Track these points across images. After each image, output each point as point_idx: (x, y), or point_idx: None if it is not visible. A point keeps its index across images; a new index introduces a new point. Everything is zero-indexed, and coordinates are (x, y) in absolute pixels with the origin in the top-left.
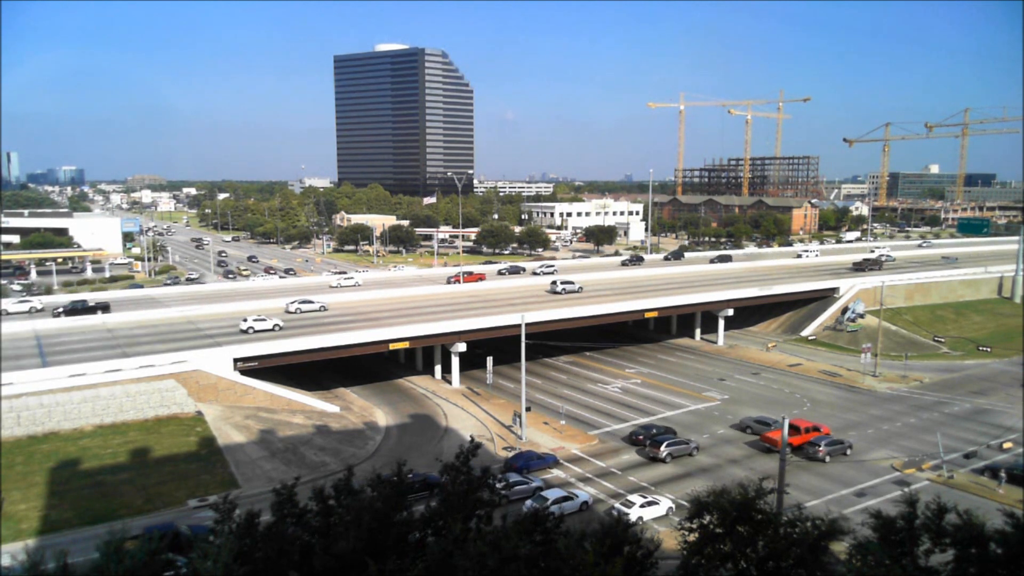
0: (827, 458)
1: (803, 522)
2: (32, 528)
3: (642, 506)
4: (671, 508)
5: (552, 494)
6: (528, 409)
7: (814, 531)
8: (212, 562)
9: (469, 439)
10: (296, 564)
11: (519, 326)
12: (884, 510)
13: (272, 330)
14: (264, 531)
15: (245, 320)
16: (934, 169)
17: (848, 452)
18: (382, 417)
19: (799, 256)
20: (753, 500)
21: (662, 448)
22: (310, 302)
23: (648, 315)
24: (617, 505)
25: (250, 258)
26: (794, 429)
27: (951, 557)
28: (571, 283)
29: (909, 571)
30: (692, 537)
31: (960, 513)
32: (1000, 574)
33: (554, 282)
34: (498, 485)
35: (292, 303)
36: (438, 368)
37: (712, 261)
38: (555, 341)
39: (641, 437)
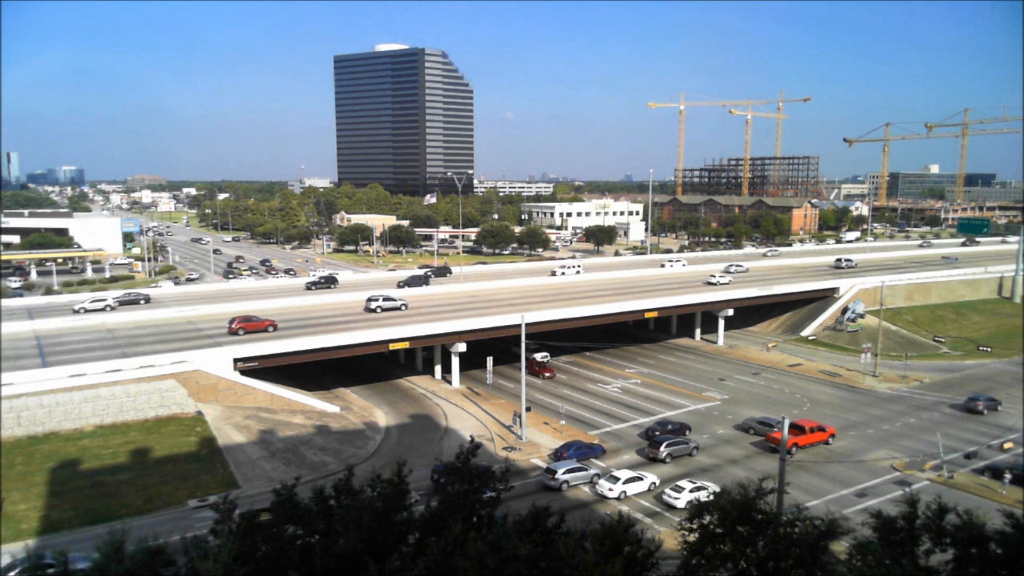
0: (985, 411)
1: (803, 522)
2: (32, 528)
3: (691, 491)
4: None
5: (623, 474)
6: (528, 409)
7: (814, 531)
8: (212, 562)
9: (469, 439)
10: (296, 564)
11: (519, 326)
12: (884, 510)
13: (728, 284)
14: (264, 531)
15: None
16: (934, 169)
17: (999, 408)
18: (382, 417)
19: (837, 263)
20: (753, 500)
21: (662, 448)
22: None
23: (648, 315)
24: (667, 490)
25: (263, 262)
26: (799, 429)
27: (951, 557)
28: (850, 260)
29: (909, 571)
30: (692, 537)
31: (960, 513)
32: (1000, 574)
33: (839, 259)
34: (560, 473)
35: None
36: (438, 368)
37: (401, 285)
38: (555, 341)
39: (657, 433)
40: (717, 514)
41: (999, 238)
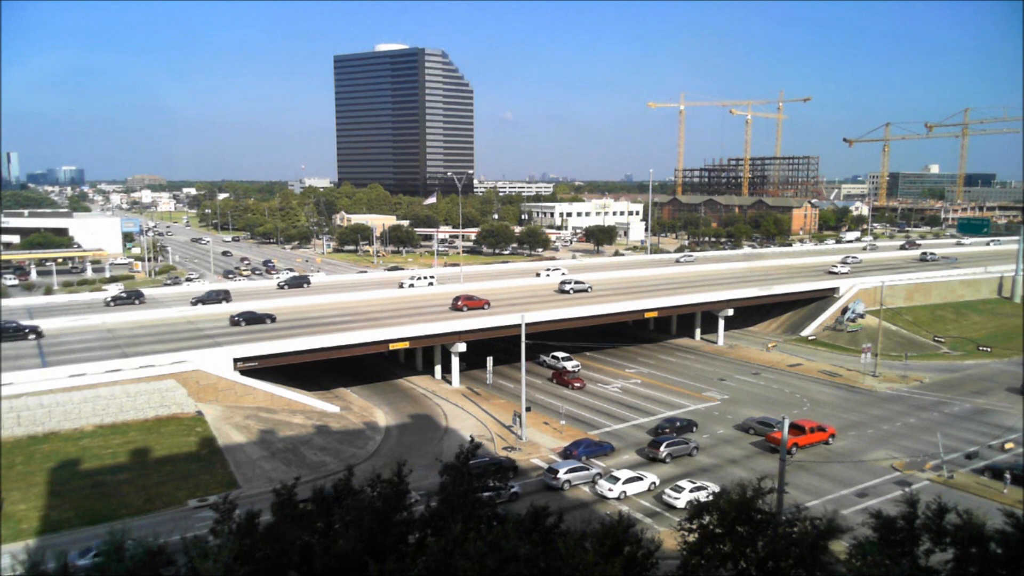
0: None
1: (802, 522)
2: (32, 528)
3: (691, 491)
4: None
5: (623, 474)
6: (528, 409)
7: (813, 531)
8: (212, 562)
9: (469, 439)
10: (296, 564)
11: (519, 326)
12: (884, 510)
13: (848, 273)
14: (264, 531)
15: (842, 259)
16: (934, 169)
17: None
18: (382, 417)
19: (923, 256)
20: (753, 500)
21: (662, 448)
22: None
23: (648, 315)
24: (667, 490)
25: (265, 262)
26: (799, 429)
27: (951, 557)
28: (933, 254)
29: (909, 571)
30: (692, 537)
31: (960, 513)
32: (1000, 574)
33: (924, 253)
34: (562, 473)
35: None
36: (438, 368)
37: (195, 302)
38: (555, 341)
39: (667, 430)
40: (717, 514)
41: (955, 240)
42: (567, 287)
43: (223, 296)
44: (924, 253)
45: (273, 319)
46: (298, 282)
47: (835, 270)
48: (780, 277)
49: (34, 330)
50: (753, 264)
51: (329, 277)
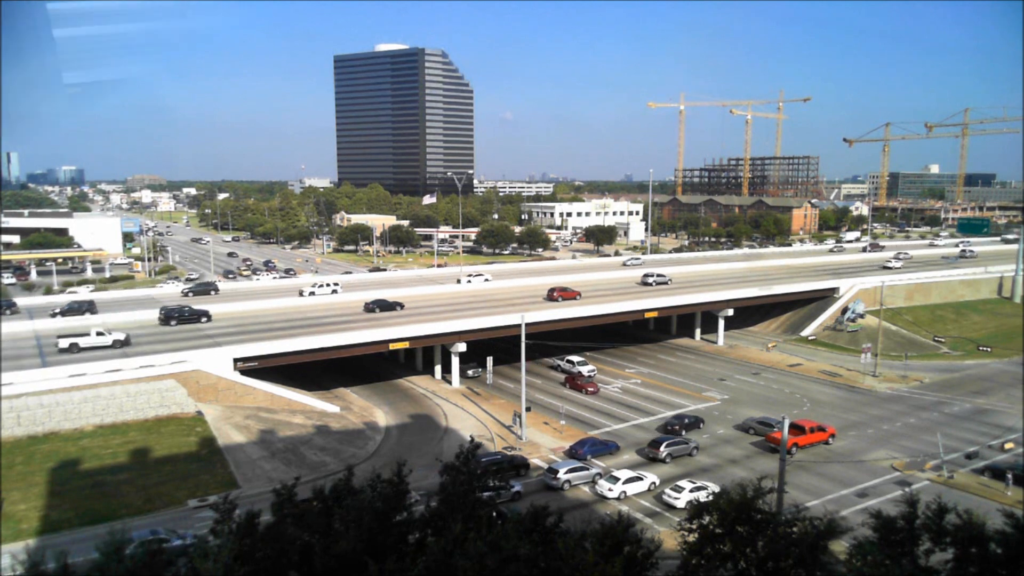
0: None
1: (802, 522)
2: (32, 528)
3: (691, 491)
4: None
5: (623, 474)
6: (528, 409)
7: (813, 531)
8: (212, 562)
9: (469, 439)
10: (296, 564)
11: (519, 326)
12: (884, 510)
13: (901, 268)
14: (264, 531)
15: (895, 255)
16: (934, 169)
17: None
18: (382, 417)
19: (962, 254)
20: (753, 500)
21: (661, 448)
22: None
23: (648, 315)
24: (667, 490)
25: (266, 263)
26: (799, 429)
27: (951, 557)
28: (972, 251)
29: (909, 571)
30: (692, 537)
31: (960, 513)
32: (1000, 574)
33: (963, 250)
34: (562, 473)
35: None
36: (438, 368)
37: None
38: (555, 341)
39: (677, 427)
40: (717, 514)
41: (928, 241)
42: (650, 280)
43: (87, 307)
44: (963, 250)
45: (402, 306)
46: (204, 289)
47: (889, 265)
48: (780, 277)
49: (205, 314)
50: (753, 264)
51: (236, 284)
